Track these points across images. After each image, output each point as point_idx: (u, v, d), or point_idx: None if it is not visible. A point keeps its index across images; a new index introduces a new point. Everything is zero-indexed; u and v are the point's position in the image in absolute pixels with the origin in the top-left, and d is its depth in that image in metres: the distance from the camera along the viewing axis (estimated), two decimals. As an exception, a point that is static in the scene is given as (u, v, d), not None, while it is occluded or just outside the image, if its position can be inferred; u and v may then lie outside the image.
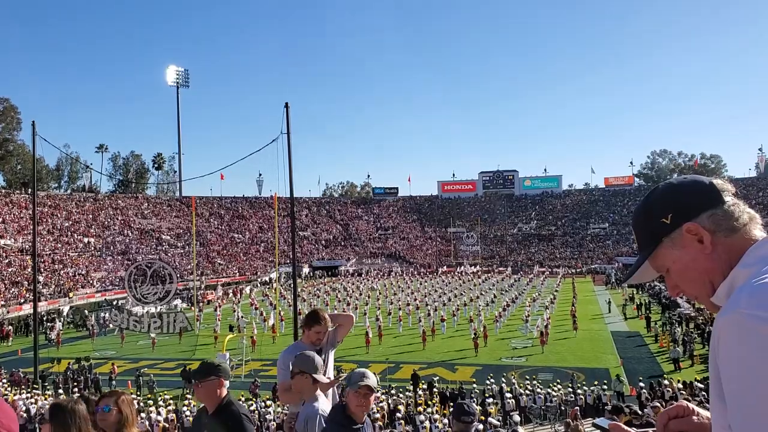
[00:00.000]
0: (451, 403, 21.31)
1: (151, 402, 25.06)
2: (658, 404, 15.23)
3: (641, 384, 25.45)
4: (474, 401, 24.72)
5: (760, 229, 1.38)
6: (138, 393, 28.65)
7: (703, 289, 1.40)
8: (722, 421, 1.18)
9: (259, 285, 78.13)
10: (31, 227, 36.70)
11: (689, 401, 1.76)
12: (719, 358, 1.19)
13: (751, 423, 1.09)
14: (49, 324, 47.90)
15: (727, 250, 1.35)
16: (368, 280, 78.29)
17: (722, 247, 1.35)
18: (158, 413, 22.74)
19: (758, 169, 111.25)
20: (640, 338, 39.93)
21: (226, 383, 4.01)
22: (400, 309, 48.28)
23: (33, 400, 25.09)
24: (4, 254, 63.83)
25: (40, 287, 52.58)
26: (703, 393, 18.22)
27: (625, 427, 1.66)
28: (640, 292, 59.85)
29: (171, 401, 25.32)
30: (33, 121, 30.49)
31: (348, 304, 52.56)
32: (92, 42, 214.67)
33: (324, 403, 4.20)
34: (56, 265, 66.61)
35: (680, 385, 24.00)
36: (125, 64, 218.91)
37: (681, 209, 1.40)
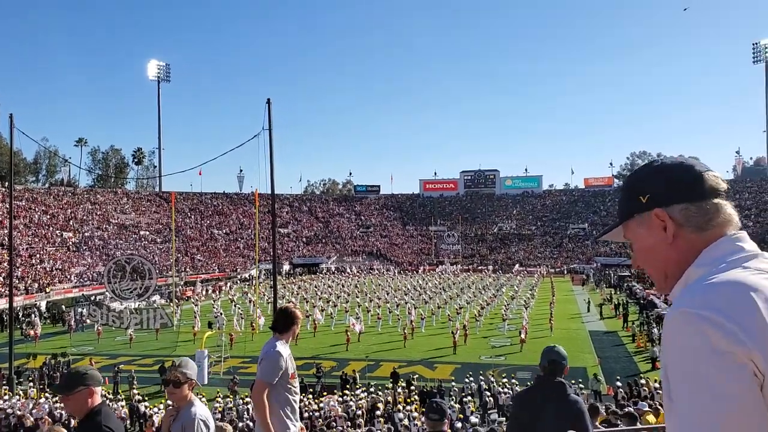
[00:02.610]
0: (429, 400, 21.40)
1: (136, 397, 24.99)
2: (646, 404, 15.39)
3: (618, 383, 25.72)
4: (453, 399, 24.86)
5: (733, 232, 1.37)
6: (115, 389, 28.38)
7: (657, 275, 1.44)
8: (674, 420, 1.20)
9: (238, 282, 77.77)
10: (8, 221, 36.27)
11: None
12: (665, 356, 1.21)
13: (694, 422, 1.11)
14: (25, 319, 47.23)
15: (690, 246, 1.36)
16: (350, 278, 78.15)
17: (684, 242, 1.37)
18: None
19: (735, 172, 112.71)
20: (617, 337, 40.35)
21: (98, 390, 3.81)
22: (379, 307, 48.31)
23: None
24: (-21, 248, 62.86)
25: (16, 282, 51.89)
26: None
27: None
28: (618, 292, 60.51)
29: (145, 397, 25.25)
30: (11, 114, 30.07)
31: (328, 302, 52.51)
32: (73, 34, 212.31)
33: (201, 407, 4.14)
34: (33, 260, 65.78)
35: (657, 385, 24.28)
36: (106, 57, 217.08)
37: (658, 194, 1.40)
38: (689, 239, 1.36)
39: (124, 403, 24.82)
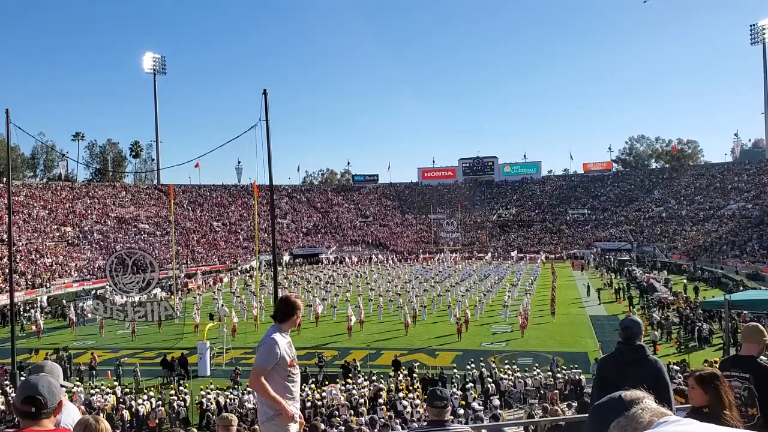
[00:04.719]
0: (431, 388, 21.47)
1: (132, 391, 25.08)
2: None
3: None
4: (455, 386, 24.96)
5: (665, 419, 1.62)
6: (118, 382, 28.51)
7: None
8: None
9: (239, 273, 77.72)
10: (6, 217, 36.21)
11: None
12: None
13: None
14: (26, 314, 47.28)
15: None
16: (351, 268, 78.13)
17: None
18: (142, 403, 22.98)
19: (734, 155, 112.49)
20: (618, 322, 40.34)
21: None
22: (380, 296, 48.36)
23: None
24: (-22, 244, 62.85)
25: (17, 277, 51.91)
26: (679, 375, 18.51)
27: None
28: (618, 277, 60.59)
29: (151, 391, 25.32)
30: (7, 109, 29.91)
31: (328, 291, 52.59)
32: (68, 28, 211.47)
33: (73, 411, 3.92)
34: (33, 255, 65.80)
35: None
36: (101, 50, 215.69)
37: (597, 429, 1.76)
38: None
39: (111, 397, 24.88)
